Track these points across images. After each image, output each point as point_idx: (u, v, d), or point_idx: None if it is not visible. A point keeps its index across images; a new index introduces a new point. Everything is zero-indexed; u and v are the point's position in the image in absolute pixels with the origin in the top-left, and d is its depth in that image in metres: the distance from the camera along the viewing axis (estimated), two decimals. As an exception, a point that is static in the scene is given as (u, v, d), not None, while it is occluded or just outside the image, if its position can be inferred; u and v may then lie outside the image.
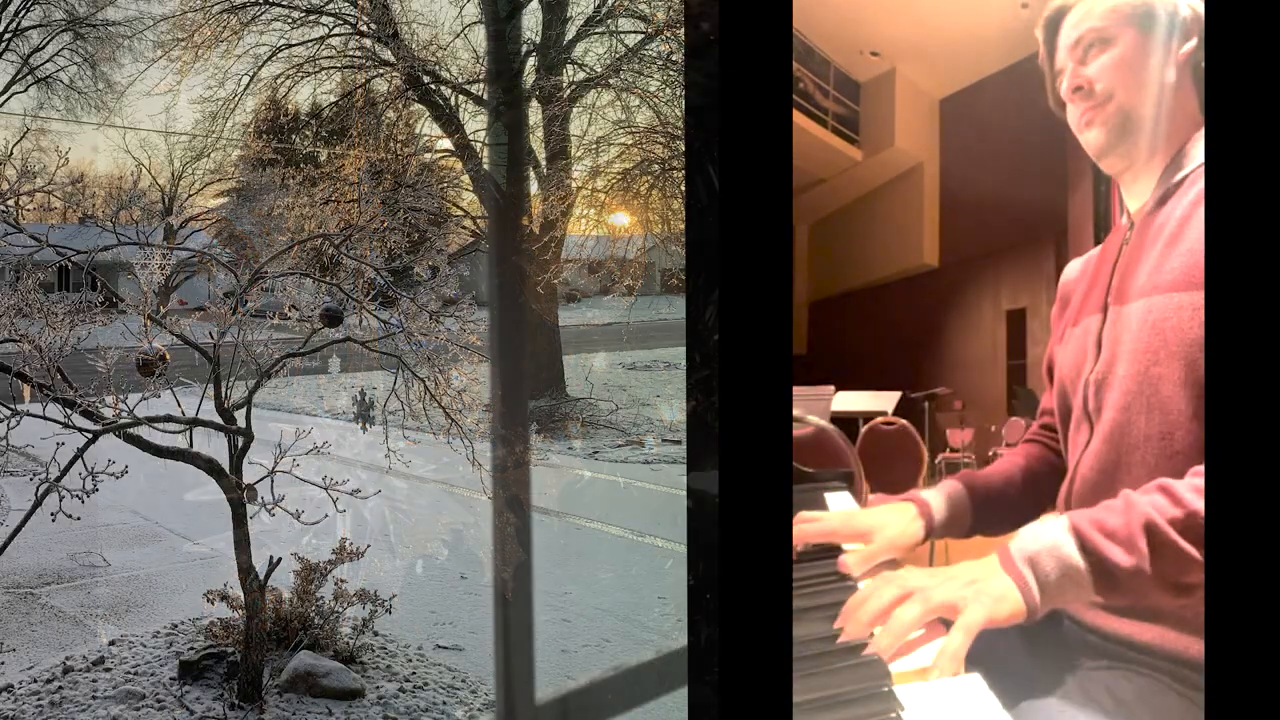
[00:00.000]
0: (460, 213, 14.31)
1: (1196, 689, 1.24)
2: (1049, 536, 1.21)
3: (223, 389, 3.92)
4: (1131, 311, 1.34)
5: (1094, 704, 1.30)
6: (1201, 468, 1.18)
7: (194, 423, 3.81)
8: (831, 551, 1.50)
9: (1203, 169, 1.31)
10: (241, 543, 3.90)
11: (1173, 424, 1.28)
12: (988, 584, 1.21)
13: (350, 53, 12.61)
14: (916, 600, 1.19)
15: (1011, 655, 1.51)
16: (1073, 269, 1.62)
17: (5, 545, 3.56)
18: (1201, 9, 1.31)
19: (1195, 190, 1.30)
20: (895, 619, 1.17)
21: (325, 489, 3.81)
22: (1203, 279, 1.22)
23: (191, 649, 4.46)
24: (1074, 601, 1.23)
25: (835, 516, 1.53)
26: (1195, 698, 1.24)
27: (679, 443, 10.68)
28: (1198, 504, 1.16)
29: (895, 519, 1.53)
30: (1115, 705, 1.29)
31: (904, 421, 5.38)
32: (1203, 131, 1.33)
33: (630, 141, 11.77)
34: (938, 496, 1.60)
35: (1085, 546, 1.19)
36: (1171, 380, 1.27)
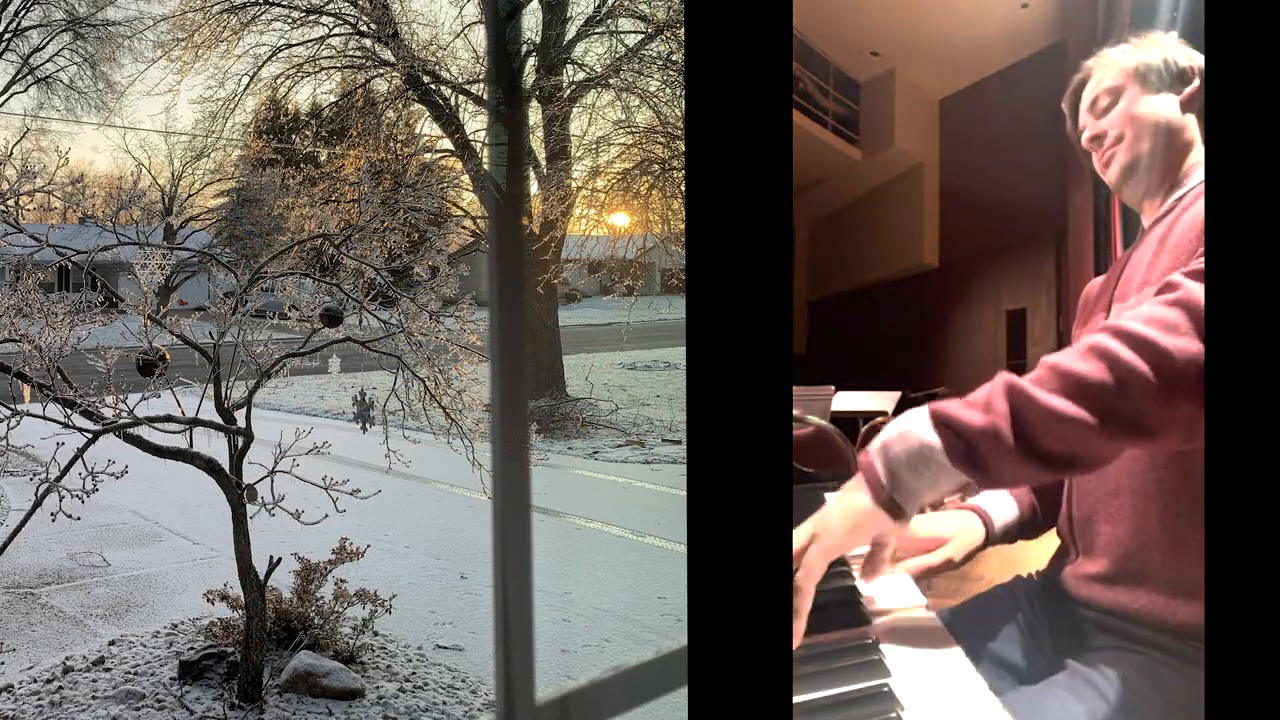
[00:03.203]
0: (460, 213, 14.33)
1: (1189, 663, 1.27)
2: (903, 421, 1.17)
3: (223, 389, 3.92)
4: (1127, 307, 1.45)
5: (1090, 686, 1.31)
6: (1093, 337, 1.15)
7: (194, 423, 3.81)
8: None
9: (1200, 187, 1.48)
10: (241, 543, 3.90)
11: None
12: (839, 496, 1.19)
13: (350, 53, 12.62)
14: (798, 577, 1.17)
15: (1011, 651, 1.52)
16: (1092, 284, 1.74)
17: (5, 545, 3.56)
18: (1199, 61, 1.55)
19: (1185, 201, 1.47)
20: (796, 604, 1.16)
21: (325, 489, 3.81)
22: (1186, 270, 1.31)
23: (191, 649, 4.46)
24: (935, 486, 1.13)
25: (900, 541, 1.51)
26: (1189, 672, 1.27)
27: (679, 443, 10.69)
28: (1063, 359, 1.11)
29: (958, 525, 1.56)
30: (1115, 682, 1.30)
31: (904, 421, 5.36)
32: (1201, 157, 1.53)
33: (630, 141, 11.77)
34: (993, 502, 1.63)
35: (939, 421, 1.13)
36: None
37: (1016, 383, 1.11)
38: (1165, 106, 1.54)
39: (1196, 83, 1.54)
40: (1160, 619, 1.32)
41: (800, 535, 1.19)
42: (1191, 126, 1.54)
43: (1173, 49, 1.57)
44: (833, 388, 5.78)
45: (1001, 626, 1.57)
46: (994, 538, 1.60)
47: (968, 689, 1.12)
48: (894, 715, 1.06)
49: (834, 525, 1.17)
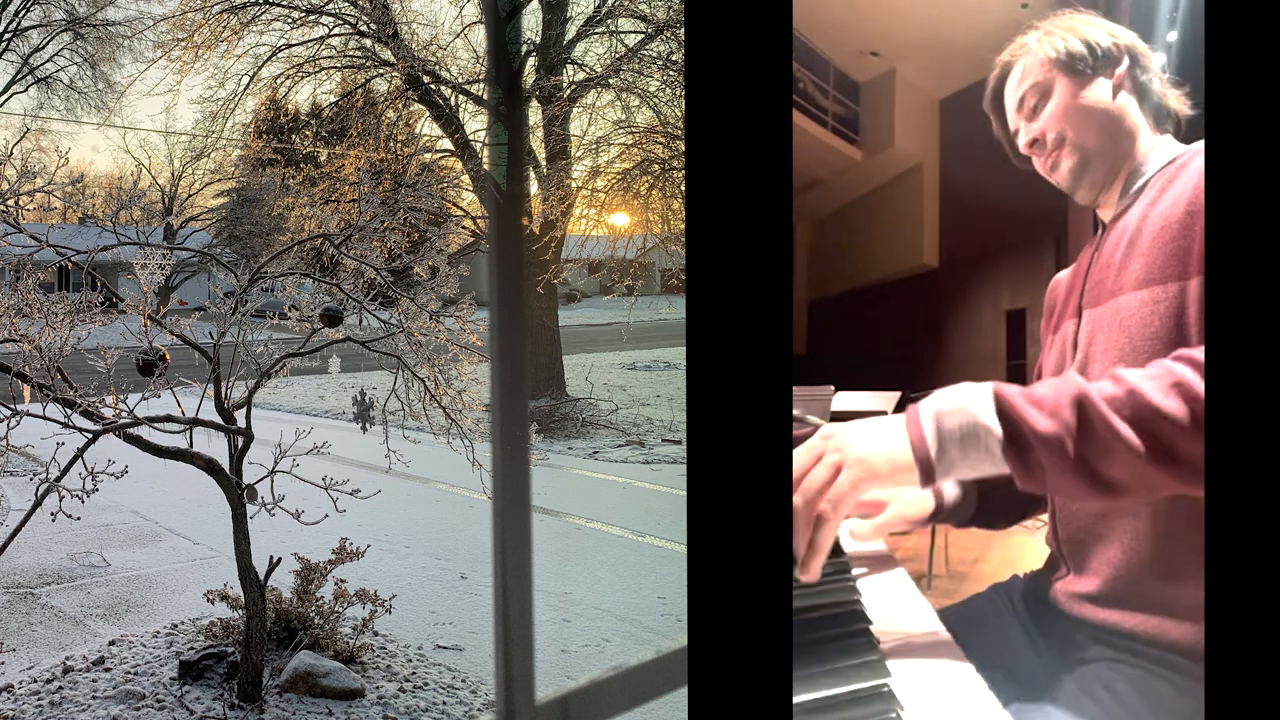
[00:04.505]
0: (460, 213, 14.33)
1: (1188, 676, 1.24)
2: (964, 395, 1.11)
3: (223, 389, 3.93)
4: (1101, 313, 1.39)
5: (1088, 699, 1.29)
6: (1159, 360, 1.11)
7: (194, 423, 3.81)
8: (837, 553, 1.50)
9: (1158, 176, 1.41)
10: (241, 543, 3.90)
11: None
12: (875, 439, 1.11)
13: (350, 53, 12.62)
14: (799, 508, 1.09)
15: (1008, 651, 1.52)
16: (1057, 280, 1.65)
17: (5, 545, 3.56)
18: (1122, 35, 1.46)
19: (1151, 194, 1.39)
20: (796, 534, 1.08)
21: (325, 489, 3.81)
22: (1160, 274, 1.28)
23: (191, 649, 4.46)
24: (976, 469, 1.09)
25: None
26: (1186, 685, 1.24)
27: (679, 443, 10.69)
28: (1142, 383, 1.06)
29: (907, 491, 1.55)
30: (1110, 699, 1.28)
31: (904, 421, 5.36)
32: (1155, 141, 1.45)
33: (630, 141, 11.78)
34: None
35: (1003, 410, 1.08)
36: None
37: (1089, 397, 1.06)
38: (1100, 94, 1.44)
39: (1126, 62, 1.44)
40: (1154, 639, 1.29)
41: (814, 457, 1.12)
42: (1131, 110, 1.45)
43: (1091, 29, 1.46)
44: (832, 388, 5.78)
45: (999, 628, 1.57)
46: (943, 512, 1.58)
47: (967, 689, 1.12)
48: (894, 715, 1.06)
49: (871, 462, 1.10)
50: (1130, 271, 1.33)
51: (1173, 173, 1.39)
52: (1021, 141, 1.51)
